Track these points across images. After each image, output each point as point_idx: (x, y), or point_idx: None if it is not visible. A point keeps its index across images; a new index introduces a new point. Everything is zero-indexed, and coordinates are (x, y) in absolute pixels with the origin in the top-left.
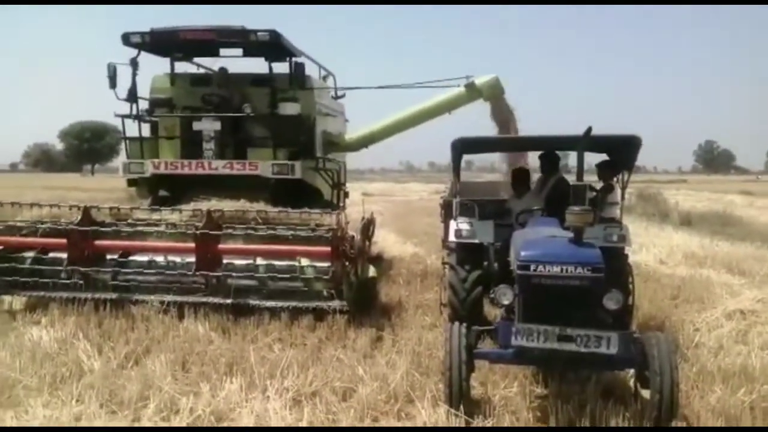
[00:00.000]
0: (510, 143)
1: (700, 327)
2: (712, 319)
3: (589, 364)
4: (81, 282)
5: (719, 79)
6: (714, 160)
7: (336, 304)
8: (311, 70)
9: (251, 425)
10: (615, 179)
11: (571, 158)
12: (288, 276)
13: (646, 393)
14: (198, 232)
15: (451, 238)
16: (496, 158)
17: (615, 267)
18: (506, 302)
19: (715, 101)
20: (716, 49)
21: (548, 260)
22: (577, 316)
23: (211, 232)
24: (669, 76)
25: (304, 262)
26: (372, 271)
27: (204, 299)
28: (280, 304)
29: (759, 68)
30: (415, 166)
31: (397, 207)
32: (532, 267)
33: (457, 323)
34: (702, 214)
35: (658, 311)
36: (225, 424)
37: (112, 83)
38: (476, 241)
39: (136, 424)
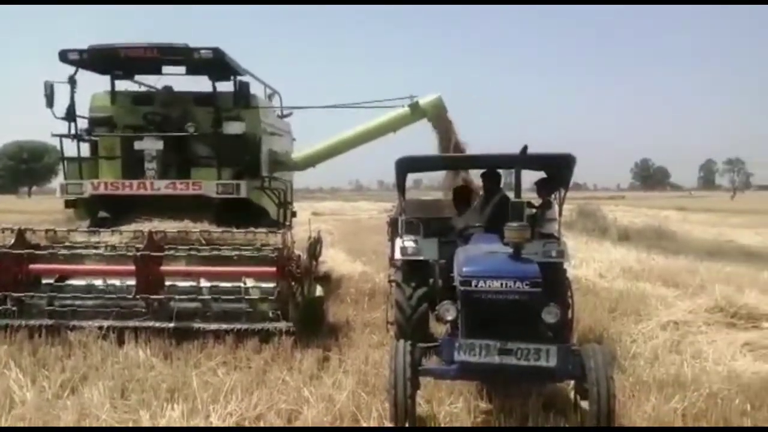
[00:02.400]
0: (452, 162)
1: (636, 338)
2: (648, 330)
3: (530, 377)
4: (14, 308)
5: (655, 97)
6: (650, 177)
7: (282, 325)
8: (256, 89)
9: None
10: (553, 196)
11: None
12: (233, 297)
13: (585, 404)
14: (139, 254)
15: (397, 255)
16: (442, 176)
17: (554, 282)
18: (450, 318)
19: (650, 118)
20: (651, 67)
21: (488, 275)
22: (517, 331)
23: (152, 254)
24: (609, 94)
25: (249, 282)
26: (319, 291)
27: (145, 324)
28: (224, 326)
29: (694, 86)
30: (364, 185)
31: (347, 226)
32: (473, 282)
33: (402, 341)
34: (639, 230)
35: (597, 324)
36: None
37: (50, 102)
38: (421, 258)
39: None
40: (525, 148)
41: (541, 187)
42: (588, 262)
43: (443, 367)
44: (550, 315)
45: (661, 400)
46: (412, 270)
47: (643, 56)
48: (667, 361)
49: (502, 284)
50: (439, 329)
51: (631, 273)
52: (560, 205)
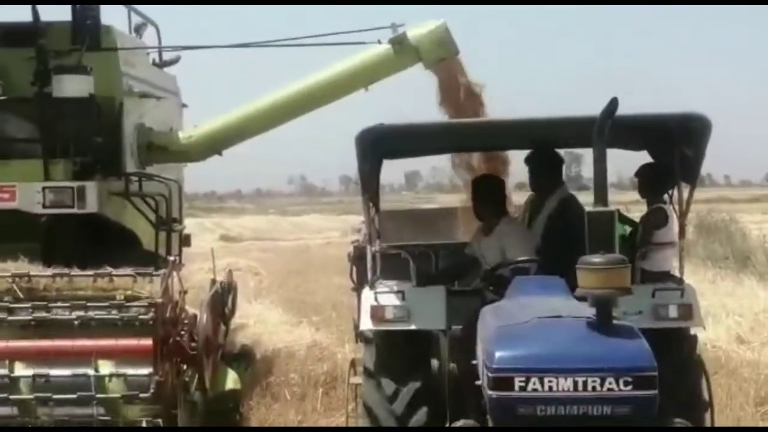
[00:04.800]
0: (468, 133)
1: None
2: None
3: None
4: None
5: None
6: None
7: None
8: (114, 18)
9: None
10: (666, 198)
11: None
12: (74, 396)
13: None
14: None
15: (366, 323)
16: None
17: (677, 371)
18: None
19: None
20: None
21: (549, 367)
22: None
23: None
24: (740, 38)
25: (105, 368)
26: (233, 381)
27: None
28: None
29: None
30: (317, 185)
31: (286, 260)
32: (518, 382)
33: None
34: None
35: (736, 425)
36: None
37: None
38: (412, 327)
39: None
40: (614, 103)
41: (649, 180)
42: (717, 315)
43: None
44: None
45: None
46: (397, 356)
47: None
48: None
49: (577, 385)
50: None
51: None
52: (682, 217)
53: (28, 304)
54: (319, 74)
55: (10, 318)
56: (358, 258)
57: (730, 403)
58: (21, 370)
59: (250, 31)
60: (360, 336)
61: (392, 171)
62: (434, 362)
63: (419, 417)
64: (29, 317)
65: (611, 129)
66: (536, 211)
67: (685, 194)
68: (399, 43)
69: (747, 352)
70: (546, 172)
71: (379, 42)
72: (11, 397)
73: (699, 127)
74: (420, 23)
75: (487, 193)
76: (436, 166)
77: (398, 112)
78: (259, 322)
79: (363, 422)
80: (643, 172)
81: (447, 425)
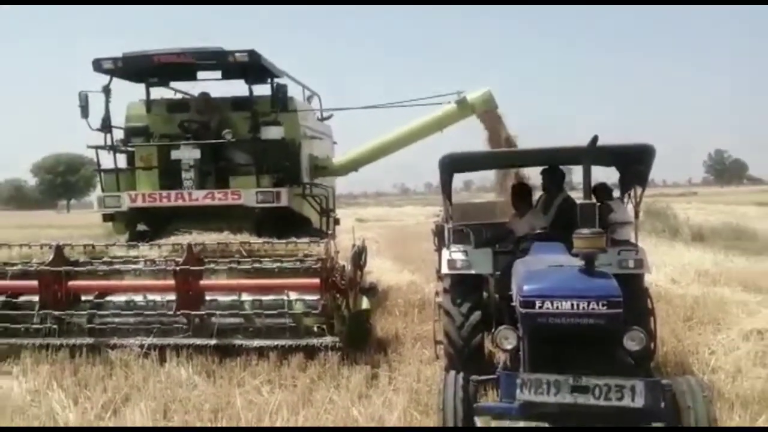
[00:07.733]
0: (505, 158)
1: (715, 350)
2: (728, 340)
3: (610, 420)
4: (55, 327)
5: (727, 84)
6: (725, 171)
7: (327, 340)
8: (294, 91)
9: None
10: (627, 195)
11: (575, 174)
12: (275, 312)
13: None
14: (178, 268)
15: (444, 269)
16: (495, 176)
17: (633, 297)
18: (509, 347)
19: (724, 107)
20: (721, 51)
21: (555, 295)
22: (592, 362)
23: (192, 268)
24: (673, 81)
25: (293, 296)
26: (365, 303)
27: (186, 340)
28: (267, 342)
29: None
30: (411, 188)
31: (393, 233)
32: (537, 304)
33: (452, 372)
34: (714, 229)
35: (671, 334)
36: None
37: (84, 112)
38: (473, 272)
39: None
40: (595, 138)
41: (601, 193)
42: (658, 266)
43: (503, 404)
44: (634, 341)
45: (746, 418)
46: (463, 287)
47: (712, 35)
48: (752, 374)
49: (573, 306)
50: (497, 352)
51: (707, 277)
52: (636, 206)
53: (249, 259)
54: (413, 123)
55: (239, 267)
56: (438, 231)
57: (668, 319)
58: (245, 296)
59: (374, 96)
60: (440, 278)
61: (455, 179)
62: (485, 293)
63: (475, 317)
64: (249, 266)
65: (595, 154)
66: (547, 205)
67: (639, 192)
68: (461, 103)
69: (678, 288)
70: (554, 180)
71: (449, 103)
72: (240, 312)
73: (648, 152)
74: (474, 90)
75: (522, 193)
76: (483, 175)
77: (460, 143)
78: (378, 269)
79: (444, 321)
80: (597, 188)
81: (492, 329)
